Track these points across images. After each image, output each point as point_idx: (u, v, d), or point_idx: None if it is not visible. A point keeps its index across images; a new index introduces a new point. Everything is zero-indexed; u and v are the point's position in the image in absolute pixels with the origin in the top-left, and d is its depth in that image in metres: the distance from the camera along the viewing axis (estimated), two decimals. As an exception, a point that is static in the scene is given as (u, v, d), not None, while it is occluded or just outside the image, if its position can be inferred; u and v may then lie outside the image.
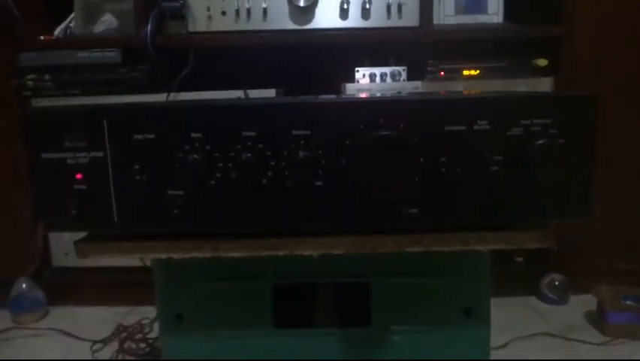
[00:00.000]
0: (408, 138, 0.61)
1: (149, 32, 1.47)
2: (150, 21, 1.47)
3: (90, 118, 0.63)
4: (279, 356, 0.77)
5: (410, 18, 1.51)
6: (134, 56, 1.52)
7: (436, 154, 0.62)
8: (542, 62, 1.46)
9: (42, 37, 1.59)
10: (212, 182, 0.63)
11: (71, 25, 1.65)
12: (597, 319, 1.45)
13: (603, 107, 1.43)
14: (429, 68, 1.51)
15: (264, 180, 0.63)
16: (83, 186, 0.64)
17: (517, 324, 1.47)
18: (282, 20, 1.52)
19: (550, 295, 1.61)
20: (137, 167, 0.64)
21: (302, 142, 0.62)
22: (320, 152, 0.62)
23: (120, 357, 1.36)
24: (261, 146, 0.62)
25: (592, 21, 1.49)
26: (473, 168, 0.62)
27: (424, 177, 0.62)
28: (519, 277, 1.65)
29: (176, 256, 0.67)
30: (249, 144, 0.62)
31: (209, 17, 1.51)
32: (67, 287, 1.70)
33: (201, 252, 0.67)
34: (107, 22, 1.62)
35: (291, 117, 0.62)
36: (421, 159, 0.62)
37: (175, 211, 0.64)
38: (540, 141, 0.61)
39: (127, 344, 1.40)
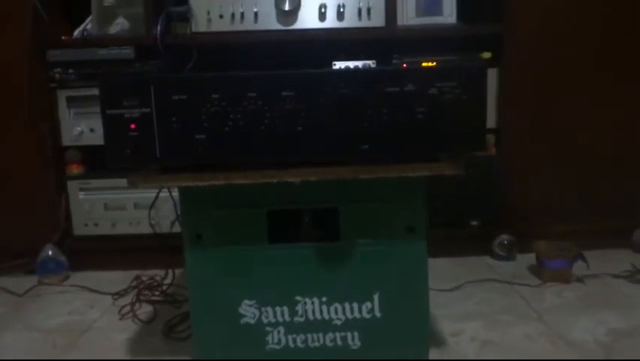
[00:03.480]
0: (360, 96, 0.90)
1: (159, 32, 1.74)
2: (160, 23, 1.74)
3: (141, 84, 0.91)
4: (273, 264, 1.05)
5: (378, 19, 1.79)
6: (145, 53, 1.79)
7: (379, 107, 0.91)
8: (486, 55, 1.75)
9: (63, 38, 1.86)
10: (227, 128, 0.92)
11: (88, 27, 1.91)
12: (536, 267, 1.73)
13: (539, 90, 1.80)
14: (394, 61, 1.77)
15: (262, 127, 0.92)
16: (135, 133, 0.92)
17: (471, 274, 1.74)
18: (270, 22, 1.79)
19: (500, 252, 1.89)
20: (173, 119, 0.92)
21: (288, 100, 0.91)
22: (301, 106, 0.91)
23: (138, 304, 1.60)
24: (260, 102, 0.91)
25: (527, 17, 1.77)
26: (404, 117, 0.91)
27: (371, 122, 0.91)
28: (474, 238, 1.93)
29: (200, 183, 0.95)
30: (252, 101, 0.91)
31: (209, 20, 1.78)
32: (86, 254, 1.91)
33: (217, 180, 0.95)
34: (120, 24, 1.88)
35: (281, 83, 0.91)
36: (369, 111, 0.91)
37: (200, 150, 0.93)
38: (449, 97, 0.89)
39: (144, 293, 1.65)
